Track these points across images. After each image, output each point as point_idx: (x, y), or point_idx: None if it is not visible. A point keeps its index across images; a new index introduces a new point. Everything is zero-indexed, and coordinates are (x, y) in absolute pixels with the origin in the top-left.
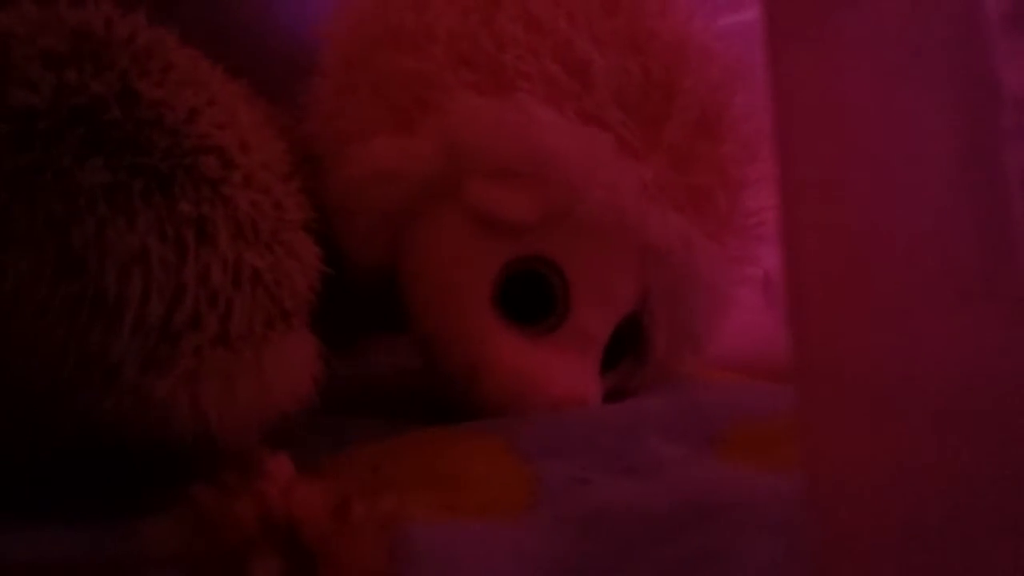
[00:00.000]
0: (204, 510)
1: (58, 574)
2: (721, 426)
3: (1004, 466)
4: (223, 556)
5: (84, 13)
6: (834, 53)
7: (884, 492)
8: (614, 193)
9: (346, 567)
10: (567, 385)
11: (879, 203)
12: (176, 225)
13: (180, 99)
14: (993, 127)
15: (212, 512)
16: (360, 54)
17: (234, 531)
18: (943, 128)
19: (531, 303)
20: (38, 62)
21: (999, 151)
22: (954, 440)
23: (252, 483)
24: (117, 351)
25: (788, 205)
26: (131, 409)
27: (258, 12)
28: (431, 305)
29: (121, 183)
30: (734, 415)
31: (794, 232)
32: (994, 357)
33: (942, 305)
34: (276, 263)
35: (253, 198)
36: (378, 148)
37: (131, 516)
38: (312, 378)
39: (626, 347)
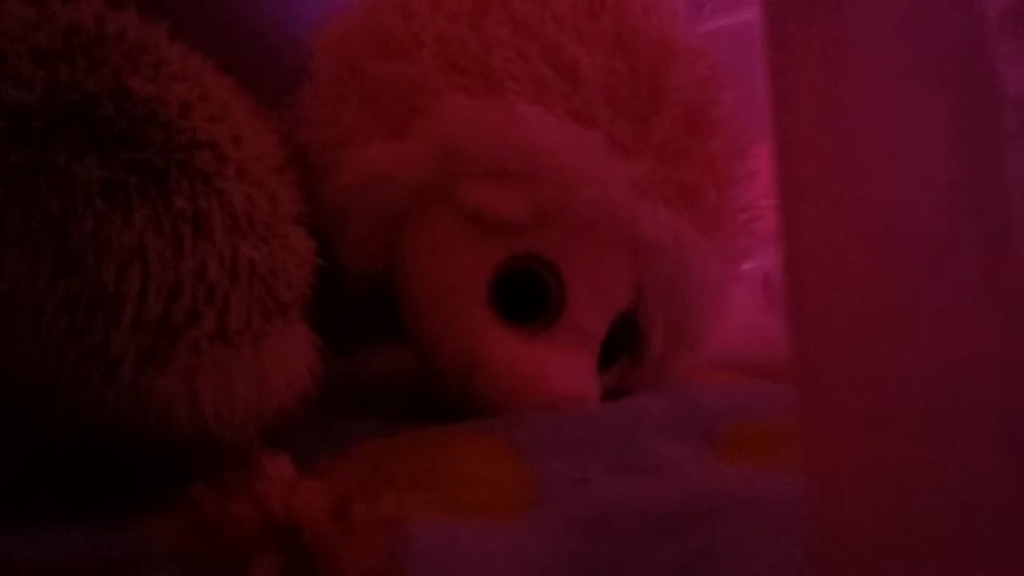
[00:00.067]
0: (204, 510)
1: (58, 574)
2: (721, 426)
3: (1004, 466)
4: (223, 556)
5: (75, 10)
6: (834, 53)
7: (884, 492)
8: (605, 190)
9: (346, 567)
10: (565, 382)
11: (879, 203)
12: (172, 220)
13: (173, 94)
14: (993, 128)
15: (212, 512)
16: (350, 62)
17: (234, 531)
18: (943, 128)
19: (526, 302)
20: (31, 60)
21: (999, 151)
22: (954, 440)
23: (252, 483)
24: (116, 347)
25: (788, 205)
26: (130, 405)
27: (247, 9)
28: (427, 306)
29: (117, 179)
30: (734, 415)
31: (794, 232)
32: (994, 357)
33: (942, 305)
34: (271, 256)
35: (247, 191)
36: (371, 154)
37: (131, 516)
38: (310, 372)
39: (623, 346)
